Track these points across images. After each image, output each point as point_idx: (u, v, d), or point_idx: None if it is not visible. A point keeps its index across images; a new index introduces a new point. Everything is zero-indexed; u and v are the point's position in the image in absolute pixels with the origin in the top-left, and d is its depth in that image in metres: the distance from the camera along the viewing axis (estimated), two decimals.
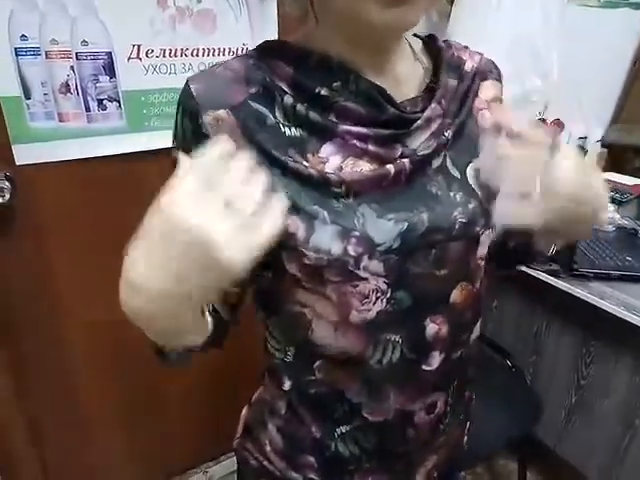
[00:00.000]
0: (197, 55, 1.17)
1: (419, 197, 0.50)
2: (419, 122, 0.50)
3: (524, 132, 0.45)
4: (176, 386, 1.40)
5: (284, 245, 0.48)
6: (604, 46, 1.73)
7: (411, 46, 0.56)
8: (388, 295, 0.50)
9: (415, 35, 0.59)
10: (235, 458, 0.70)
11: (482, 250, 0.56)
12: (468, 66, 0.57)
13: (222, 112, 0.47)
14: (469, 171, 0.54)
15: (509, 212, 0.45)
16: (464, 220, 0.52)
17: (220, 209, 0.37)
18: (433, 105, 0.52)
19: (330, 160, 0.48)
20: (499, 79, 0.62)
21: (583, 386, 1.34)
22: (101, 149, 1.12)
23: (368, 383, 0.55)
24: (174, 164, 0.52)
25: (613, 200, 1.63)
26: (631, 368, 1.23)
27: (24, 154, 1.05)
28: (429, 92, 0.54)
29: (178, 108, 0.50)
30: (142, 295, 0.43)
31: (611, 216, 1.52)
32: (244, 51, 0.62)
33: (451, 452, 0.68)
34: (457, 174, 0.54)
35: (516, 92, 1.43)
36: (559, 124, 1.79)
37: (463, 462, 0.77)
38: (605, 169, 1.92)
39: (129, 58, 1.10)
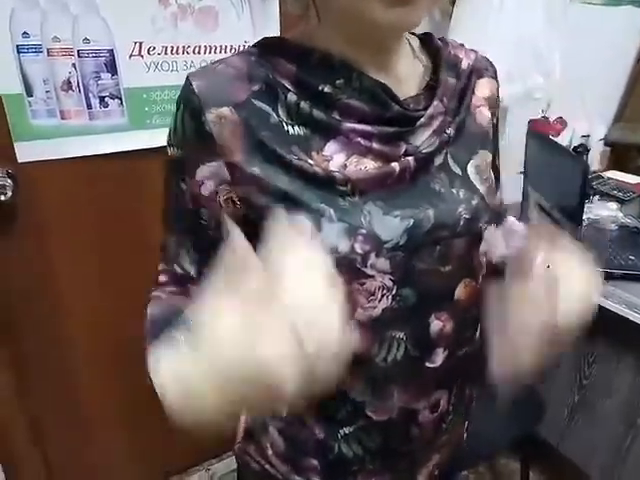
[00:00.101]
0: (199, 52, 1.17)
1: (423, 194, 0.51)
2: (422, 120, 0.50)
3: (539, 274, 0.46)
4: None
5: None
6: (607, 44, 1.73)
7: (410, 44, 0.56)
8: (394, 292, 0.50)
9: (412, 33, 0.59)
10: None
11: (484, 246, 0.56)
12: (464, 64, 0.58)
13: (225, 109, 0.47)
14: (470, 168, 0.55)
15: (509, 358, 0.46)
16: (468, 216, 0.52)
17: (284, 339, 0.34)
18: (435, 103, 0.52)
19: (334, 158, 0.48)
20: (494, 76, 0.62)
21: (585, 385, 1.34)
22: (103, 146, 1.12)
23: (372, 382, 0.55)
24: (168, 161, 0.52)
25: (616, 199, 1.63)
26: (634, 367, 1.22)
27: (26, 152, 1.05)
28: (429, 90, 0.54)
29: (178, 105, 0.49)
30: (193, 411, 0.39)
31: (614, 214, 1.51)
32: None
33: (452, 451, 0.68)
34: (458, 171, 0.54)
35: (519, 90, 1.42)
36: (562, 122, 1.79)
37: (464, 461, 0.77)
38: (608, 167, 1.92)
39: (131, 55, 1.09)
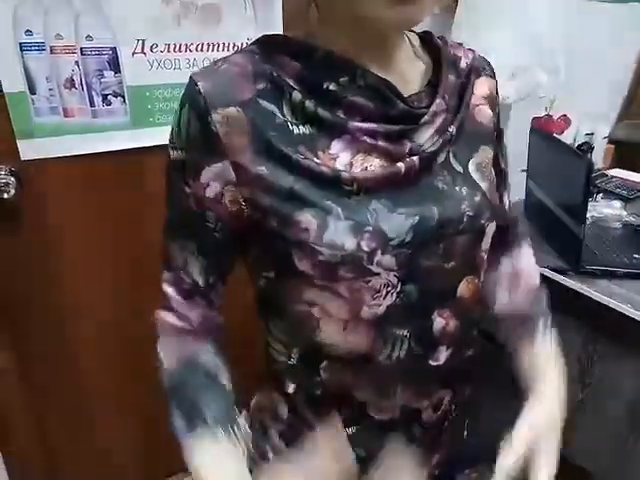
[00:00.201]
0: (202, 50, 1.17)
1: (427, 192, 0.51)
2: (426, 117, 0.50)
3: None
4: None
5: (296, 243, 0.47)
6: (612, 42, 1.71)
7: (411, 42, 0.56)
8: (398, 289, 0.50)
9: (412, 31, 0.59)
10: None
11: (486, 243, 0.57)
12: (463, 63, 0.58)
13: (232, 109, 0.46)
14: (471, 166, 0.55)
15: None
16: (471, 213, 0.52)
17: None
18: (438, 100, 0.52)
19: (340, 156, 0.48)
20: (493, 75, 0.62)
21: (589, 385, 1.33)
22: (106, 144, 1.12)
23: (376, 381, 0.55)
24: (171, 164, 0.51)
25: (620, 197, 1.62)
26: (638, 367, 1.22)
27: (29, 149, 1.06)
28: (431, 88, 0.54)
29: (182, 106, 0.49)
30: None
31: (618, 213, 1.51)
32: None
33: (452, 450, 0.68)
34: (460, 169, 0.54)
35: (522, 88, 1.42)
36: (566, 120, 1.78)
37: (464, 460, 0.77)
38: (612, 165, 1.91)
39: (134, 53, 1.09)
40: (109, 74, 1.08)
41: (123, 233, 1.23)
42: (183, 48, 1.15)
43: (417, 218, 0.48)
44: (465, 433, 0.72)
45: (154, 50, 1.11)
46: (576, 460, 1.40)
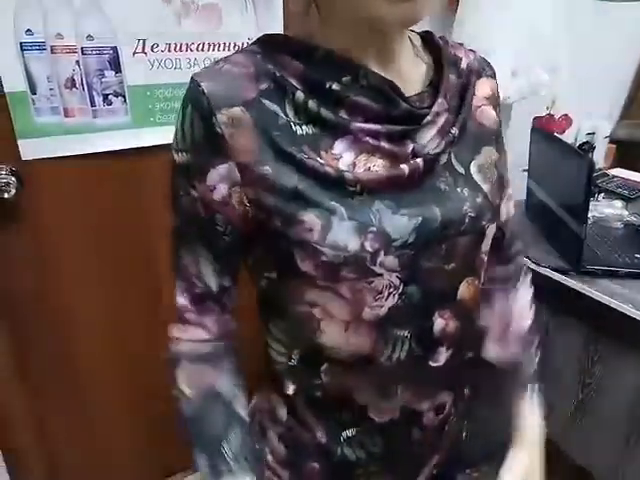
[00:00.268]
0: (202, 50, 1.17)
1: (429, 193, 0.50)
2: (428, 117, 0.50)
3: None
4: None
5: (299, 243, 0.47)
6: (613, 40, 1.71)
7: (412, 42, 0.56)
8: (400, 290, 0.50)
9: (412, 31, 0.58)
10: None
11: (486, 244, 0.57)
12: (464, 63, 0.58)
13: (236, 110, 0.46)
14: (473, 167, 0.55)
15: None
16: (473, 214, 0.52)
17: None
18: (440, 100, 0.52)
19: (343, 156, 0.48)
20: (493, 76, 0.62)
21: (590, 385, 1.33)
22: (106, 144, 1.12)
23: (376, 382, 0.55)
24: (175, 168, 0.50)
25: (622, 197, 1.62)
26: (638, 367, 1.21)
27: (30, 149, 1.06)
28: (432, 88, 0.54)
29: (185, 107, 0.48)
30: None
31: (619, 212, 1.50)
32: None
33: (451, 451, 0.68)
34: (461, 170, 0.54)
35: (524, 87, 1.41)
36: (567, 120, 1.77)
37: (464, 461, 0.77)
38: (614, 165, 1.91)
39: (134, 53, 1.09)
40: (110, 74, 1.08)
41: (123, 233, 1.22)
42: (184, 48, 1.14)
43: (420, 219, 0.48)
44: (464, 434, 0.72)
45: (155, 50, 1.11)
46: (576, 460, 1.40)
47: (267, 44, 0.50)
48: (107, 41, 1.06)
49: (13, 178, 1.05)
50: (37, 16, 0.99)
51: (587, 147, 1.84)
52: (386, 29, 0.49)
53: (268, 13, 1.22)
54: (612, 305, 1.15)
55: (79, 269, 1.20)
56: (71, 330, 1.24)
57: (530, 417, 0.69)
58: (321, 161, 0.47)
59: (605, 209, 1.52)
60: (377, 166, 0.48)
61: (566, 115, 1.76)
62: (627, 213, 1.51)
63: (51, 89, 1.04)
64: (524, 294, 0.72)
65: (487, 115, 0.59)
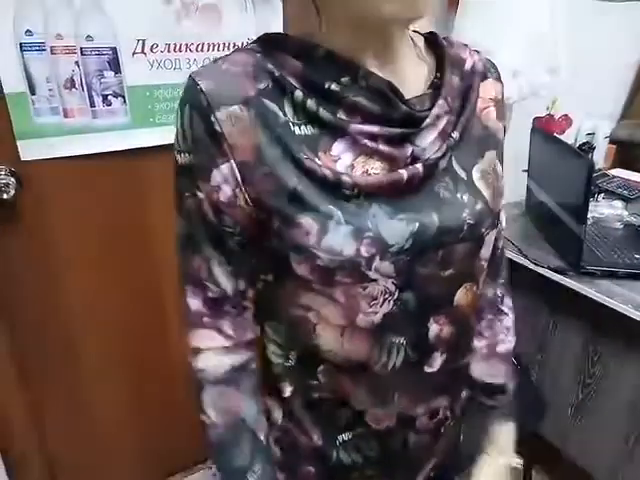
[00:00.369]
0: (202, 50, 1.16)
1: (428, 198, 0.50)
2: (428, 120, 0.49)
3: None
4: (182, 381, 1.41)
5: (294, 246, 0.47)
6: (613, 41, 1.71)
7: (414, 43, 0.55)
8: (395, 296, 0.49)
9: (416, 32, 0.58)
10: None
11: (485, 251, 0.56)
12: (468, 65, 0.56)
13: (236, 108, 0.45)
14: (475, 173, 0.54)
15: None
16: (472, 221, 0.51)
17: None
18: (440, 102, 0.51)
19: (342, 158, 0.47)
20: (498, 78, 0.61)
21: (589, 385, 1.33)
22: (106, 145, 1.12)
23: (372, 387, 0.54)
24: (179, 170, 0.50)
25: (622, 197, 1.62)
26: (638, 367, 1.21)
27: (29, 150, 1.05)
28: (434, 90, 0.53)
29: (183, 107, 0.47)
30: None
31: (619, 213, 1.50)
32: None
33: (449, 453, 0.68)
34: (463, 175, 0.53)
35: (524, 87, 1.41)
36: (567, 120, 1.77)
37: (461, 462, 0.78)
38: (614, 165, 1.91)
39: (134, 53, 1.09)
40: (109, 74, 1.08)
41: (123, 233, 1.22)
42: (183, 48, 1.14)
43: (417, 225, 0.48)
44: (462, 436, 0.72)
45: (154, 50, 1.11)
46: (576, 460, 1.40)
47: (267, 43, 0.49)
48: (107, 42, 1.06)
49: (12, 179, 1.05)
50: (37, 17, 0.99)
51: (587, 147, 1.84)
52: (385, 25, 0.48)
53: (268, 13, 1.22)
54: (612, 305, 1.15)
55: (79, 269, 1.20)
56: (70, 330, 1.24)
57: (505, 433, 0.72)
58: (319, 162, 0.46)
59: (605, 209, 1.52)
60: (375, 169, 0.48)
61: (566, 115, 1.76)
62: (627, 213, 1.51)
63: (50, 90, 1.04)
64: (509, 317, 0.72)
65: (491, 118, 0.58)
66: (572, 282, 1.23)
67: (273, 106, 0.46)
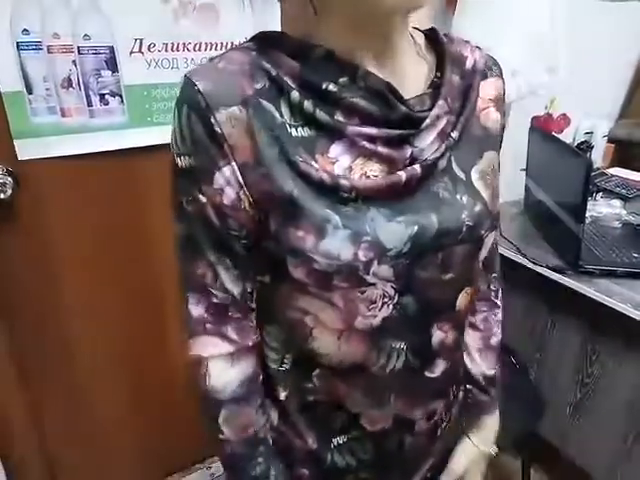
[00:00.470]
0: (200, 50, 1.16)
1: (427, 199, 0.49)
2: (427, 121, 0.49)
3: None
4: (181, 381, 1.41)
5: (291, 250, 0.46)
6: (612, 40, 1.71)
7: (414, 40, 0.54)
8: (395, 300, 0.49)
9: (416, 29, 0.57)
10: None
11: (484, 253, 0.56)
12: (469, 63, 0.55)
13: (235, 109, 0.44)
14: (474, 173, 0.53)
15: None
16: (471, 223, 0.51)
17: None
18: (440, 102, 0.50)
19: (340, 160, 0.46)
20: (500, 75, 0.60)
21: (588, 384, 1.33)
22: (103, 144, 1.12)
23: (369, 391, 0.54)
24: (179, 174, 0.48)
25: (620, 196, 1.62)
26: (637, 366, 1.21)
27: (26, 149, 1.05)
28: (434, 89, 0.52)
29: (180, 108, 0.46)
30: None
31: (617, 212, 1.50)
32: None
33: (445, 453, 0.68)
34: (462, 175, 0.52)
35: (522, 86, 1.41)
36: (565, 119, 1.77)
37: None
38: (612, 164, 1.91)
39: (131, 52, 1.09)
40: (106, 73, 1.08)
41: (121, 233, 1.22)
42: (181, 47, 1.14)
43: (416, 228, 0.47)
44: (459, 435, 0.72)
45: (152, 49, 1.11)
46: (574, 459, 1.40)
47: (263, 41, 0.48)
48: (104, 41, 1.05)
49: (9, 178, 1.04)
50: (34, 16, 0.99)
51: (585, 146, 1.84)
52: (386, 21, 0.47)
53: (265, 12, 1.22)
54: (610, 305, 1.15)
55: (77, 269, 1.20)
56: (69, 331, 1.24)
57: (490, 423, 0.73)
58: (316, 166, 0.45)
59: (603, 208, 1.52)
60: (374, 171, 0.47)
61: (564, 114, 1.76)
62: (625, 212, 1.51)
63: (47, 89, 1.03)
64: (500, 310, 0.73)
65: (492, 118, 0.57)
66: (570, 281, 1.23)
67: (270, 107, 0.46)
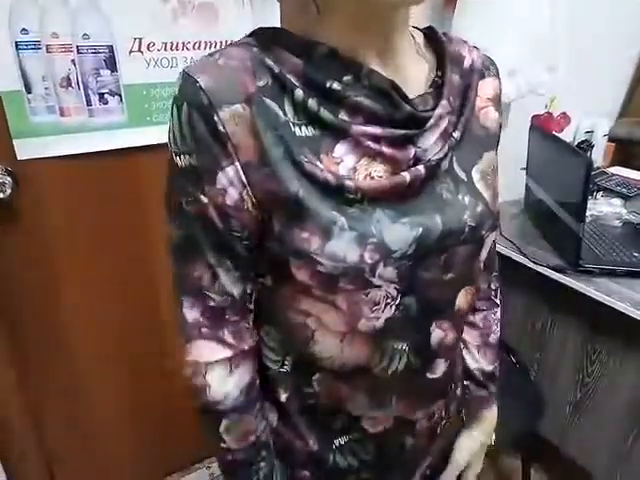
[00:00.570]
0: (199, 48, 1.16)
1: (430, 200, 0.49)
2: (431, 121, 0.48)
3: None
4: (180, 381, 1.41)
5: (295, 251, 0.45)
6: (612, 39, 1.71)
7: (414, 39, 0.54)
8: (397, 301, 0.48)
9: (415, 28, 0.57)
10: None
11: (484, 253, 0.56)
12: (467, 63, 0.55)
13: (238, 107, 0.43)
14: (475, 173, 0.53)
15: None
16: (473, 224, 0.51)
17: None
18: (444, 102, 0.50)
19: (344, 160, 0.46)
20: (497, 75, 0.60)
21: (588, 384, 1.33)
22: (102, 143, 1.11)
23: (371, 394, 0.54)
24: (179, 173, 0.47)
25: (620, 195, 1.62)
26: (637, 366, 1.21)
27: (25, 149, 1.05)
28: (435, 88, 0.52)
29: (180, 105, 0.44)
30: None
31: (618, 211, 1.50)
32: None
33: (445, 451, 0.69)
34: (463, 176, 0.52)
35: (522, 85, 1.41)
36: (566, 118, 1.77)
37: None
38: (612, 163, 1.91)
39: (130, 51, 1.09)
40: (106, 73, 1.08)
41: (120, 232, 1.22)
42: (180, 46, 1.14)
43: (420, 230, 0.47)
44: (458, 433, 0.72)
45: (151, 48, 1.11)
46: (575, 459, 1.40)
47: (263, 37, 0.47)
48: (103, 40, 1.05)
49: (8, 178, 1.04)
50: (33, 15, 0.98)
51: (586, 145, 1.83)
52: (388, 16, 0.46)
53: (265, 11, 1.22)
54: (610, 304, 1.15)
55: (76, 269, 1.20)
56: (69, 331, 1.24)
57: (490, 417, 0.74)
58: (321, 166, 0.45)
59: (604, 207, 1.52)
60: (378, 172, 0.46)
61: (564, 113, 1.76)
62: (625, 211, 1.51)
63: (46, 88, 1.03)
64: (498, 310, 0.73)
65: (491, 117, 0.57)
66: (571, 280, 1.23)
67: (273, 105, 0.44)
